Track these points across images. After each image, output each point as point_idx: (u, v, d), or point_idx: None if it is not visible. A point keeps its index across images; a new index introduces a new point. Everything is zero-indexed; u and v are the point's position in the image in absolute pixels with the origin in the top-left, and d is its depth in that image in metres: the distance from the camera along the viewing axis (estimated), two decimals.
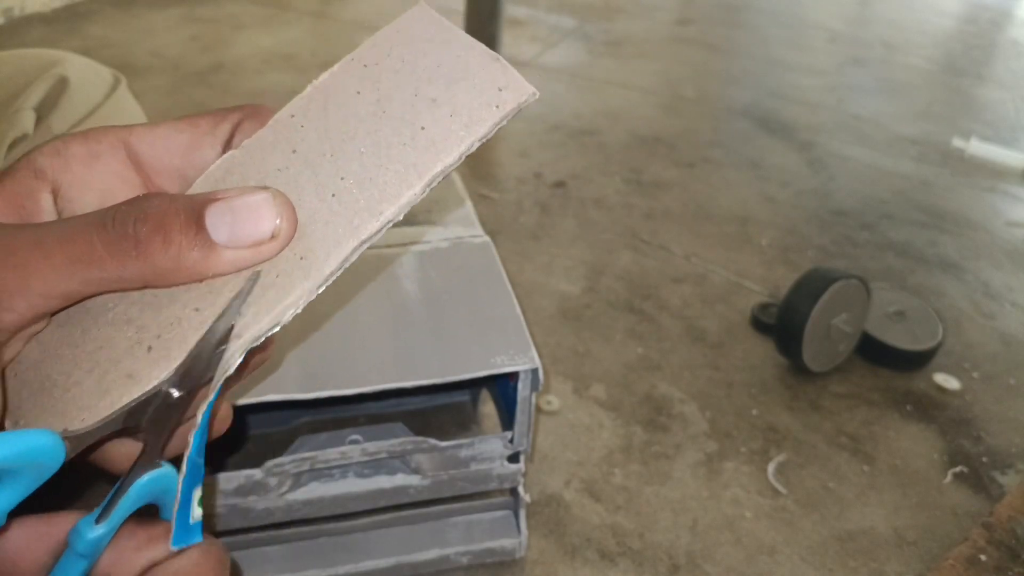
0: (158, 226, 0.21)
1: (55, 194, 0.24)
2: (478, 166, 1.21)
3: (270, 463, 0.51)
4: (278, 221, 0.22)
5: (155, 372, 0.22)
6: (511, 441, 0.56)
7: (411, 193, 0.24)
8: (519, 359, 0.52)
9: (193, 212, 0.21)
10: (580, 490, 0.68)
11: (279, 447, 0.55)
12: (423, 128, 0.25)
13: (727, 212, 1.13)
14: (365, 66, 0.27)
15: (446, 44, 0.26)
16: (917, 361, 0.85)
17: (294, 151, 0.25)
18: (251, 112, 0.26)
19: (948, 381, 0.84)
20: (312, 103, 0.26)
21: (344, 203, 0.24)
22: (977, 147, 1.35)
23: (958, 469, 0.74)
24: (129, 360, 0.23)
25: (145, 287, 0.22)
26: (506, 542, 0.60)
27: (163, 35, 1.62)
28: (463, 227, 0.64)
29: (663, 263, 1.00)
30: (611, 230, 1.06)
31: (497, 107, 0.25)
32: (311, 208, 0.24)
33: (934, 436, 0.77)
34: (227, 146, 0.25)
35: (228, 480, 0.52)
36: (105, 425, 0.22)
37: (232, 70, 1.48)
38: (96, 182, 0.24)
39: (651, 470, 0.71)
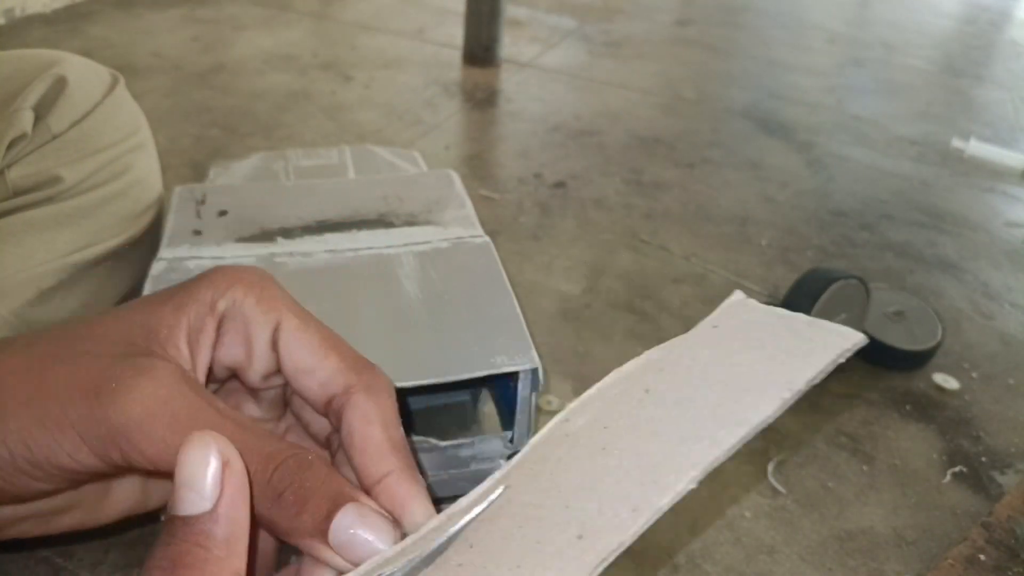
0: (299, 500, 0.23)
1: (217, 331, 0.29)
2: (478, 167, 1.21)
3: None
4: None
5: None
6: (511, 441, 0.56)
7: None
8: (519, 359, 0.52)
9: (330, 504, 0.23)
10: None
11: None
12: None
13: (727, 212, 1.13)
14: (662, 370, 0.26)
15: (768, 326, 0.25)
16: (916, 361, 0.85)
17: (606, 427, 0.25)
18: (368, 384, 0.28)
19: (947, 381, 0.84)
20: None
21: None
22: (976, 147, 1.35)
23: (957, 469, 0.74)
24: None
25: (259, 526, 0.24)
26: None
27: (164, 36, 1.62)
28: (463, 227, 0.64)
29: (663, 263, 1.00)
30: (611, 230, 1.07)
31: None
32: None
33: (933, 436, 0.77)
34: (329, 403, 0.28)
35: None
36: None
37: (233, 71, 1.48)
38: (248, 341, 0.29)
39: None
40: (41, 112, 0.59)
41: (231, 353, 0.29)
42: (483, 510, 0.24)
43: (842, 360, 0.24)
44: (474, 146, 1.30)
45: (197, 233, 0.62)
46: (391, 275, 0.59)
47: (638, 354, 0.85)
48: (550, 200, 1.13)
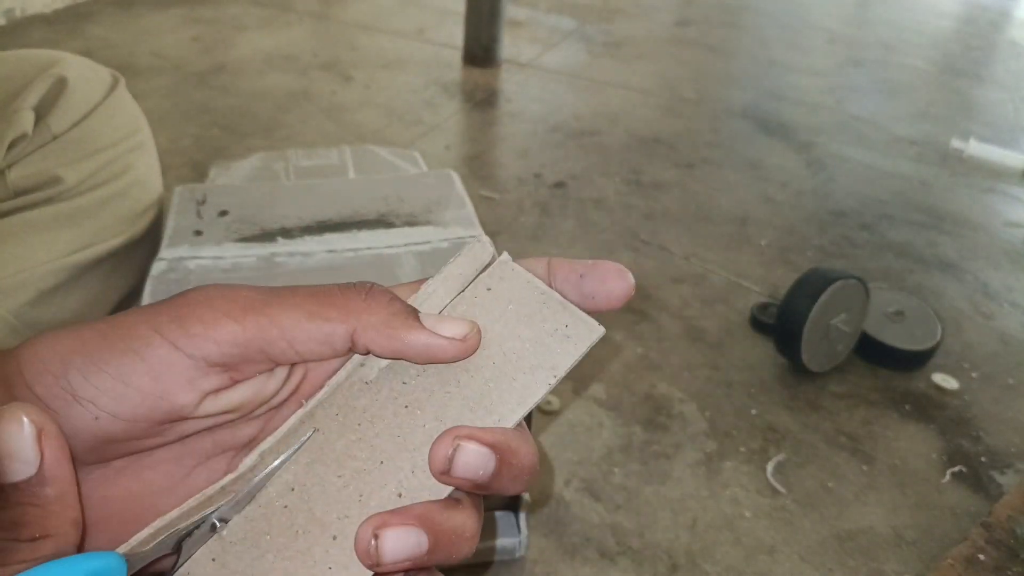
0: (386, 292, 0.26)
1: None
2: (478, 167, 1.21)
3: None
4: (469, 333, 0.26)
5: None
6: None
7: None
8: None
9: (413, 307, 0.26)
10: (580, 489, 0.68)
11: None
12: (514, 380, 0.27)
13: (726, 212, 1.13)
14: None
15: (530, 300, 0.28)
16: (916, 361, 0.85)
17: (404, 382, 0.28)
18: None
19: (947, 381, 0.84)
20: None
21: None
22: (976, 148, 1.35)
23: (957, 469, 0.74)
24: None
25: (351, 344, 0.25)
26: (506, 541, 0.60)
27: (164, 36, 1.62)
28: (463, 227, 0.65)
29: (663, 263, 1.00)
30: (611, 230, 1.07)
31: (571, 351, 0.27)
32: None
33: (933, 436, 0.77)
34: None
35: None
36: (160, 545, 0.25)
37: (233, 71, 1.48)
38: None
39: (651, 469, 0.71)
40: (41, 112, 0.59)
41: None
42: (295, 451, 0.27)
43: (588, 350, 0.27)
44: (474, 146, 1.30)
45: (198, 233, 0.62)
46: (391, 275, 0.59)
47: (638, 354, 0.84)
48: (550, 200, 1.13)
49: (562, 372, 0.27)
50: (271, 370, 0.26)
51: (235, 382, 0.26)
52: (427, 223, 0.65)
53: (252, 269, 0.58)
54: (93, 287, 0.62)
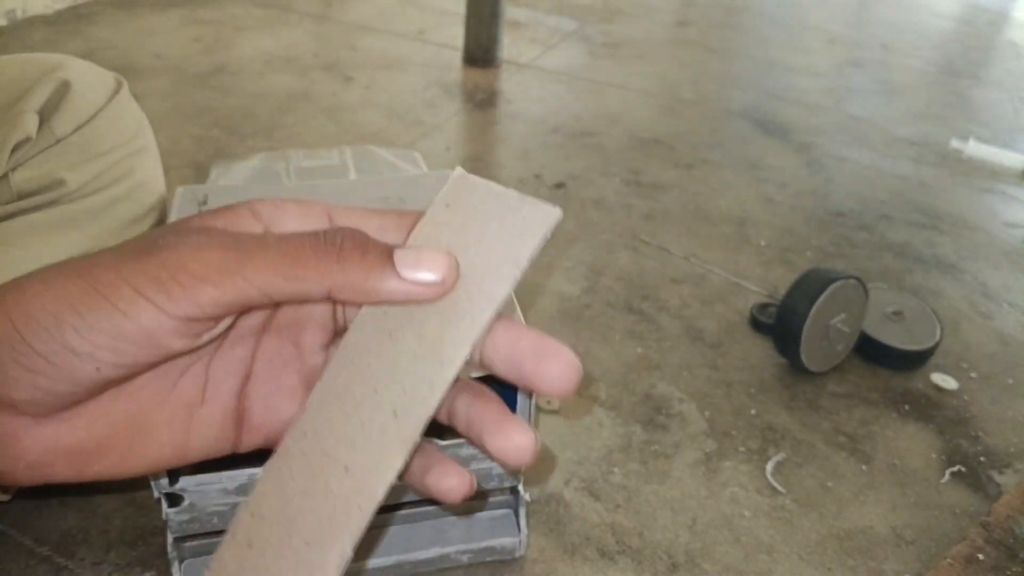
0: (359, 245, 0.27)
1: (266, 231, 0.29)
2: (479, 168, 1.22)
3: None
4: (447, 273, 0.27)
5: None
6: None
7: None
8: None
9: (387, 247, 0.27)
10: (580, 489, 0.68)
11: None
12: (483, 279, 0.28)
13: (726, 213, 1.14)
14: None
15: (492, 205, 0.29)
16: (915, 361, 0.85)
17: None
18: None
19: (946, 381, 0.84)
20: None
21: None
22: (975, 148, 1.35)
23: (956, 468, 0.74)
24: None
25: (329, 298, 0.27)
26: (506, 540, 0.61)
27: (165, 37, 1.63)
28: None
29: (662, 263, 1.01)
30: (611, 231, 1.07)
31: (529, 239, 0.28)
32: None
33: (932, 436, 0.78)
34: (407, 236, 0.30)
35: (231, 479, 0.52)
36: None
37: (234, 72, 1.48)
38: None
39: (650, 469, 0.71)
40: (45, 116, 0.60)
41: None
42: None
43: (549, 236, 0.28)
44: (474, 147, 1.30)
45: None
46: None
47: (638, 354, 0.85)
48: (550, 200, 1.13)
49: (525, 262, 0.28)
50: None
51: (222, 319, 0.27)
52: None
53: None
54: None
